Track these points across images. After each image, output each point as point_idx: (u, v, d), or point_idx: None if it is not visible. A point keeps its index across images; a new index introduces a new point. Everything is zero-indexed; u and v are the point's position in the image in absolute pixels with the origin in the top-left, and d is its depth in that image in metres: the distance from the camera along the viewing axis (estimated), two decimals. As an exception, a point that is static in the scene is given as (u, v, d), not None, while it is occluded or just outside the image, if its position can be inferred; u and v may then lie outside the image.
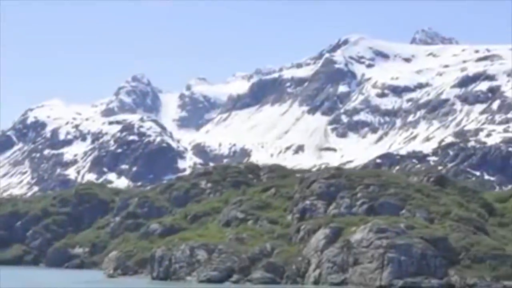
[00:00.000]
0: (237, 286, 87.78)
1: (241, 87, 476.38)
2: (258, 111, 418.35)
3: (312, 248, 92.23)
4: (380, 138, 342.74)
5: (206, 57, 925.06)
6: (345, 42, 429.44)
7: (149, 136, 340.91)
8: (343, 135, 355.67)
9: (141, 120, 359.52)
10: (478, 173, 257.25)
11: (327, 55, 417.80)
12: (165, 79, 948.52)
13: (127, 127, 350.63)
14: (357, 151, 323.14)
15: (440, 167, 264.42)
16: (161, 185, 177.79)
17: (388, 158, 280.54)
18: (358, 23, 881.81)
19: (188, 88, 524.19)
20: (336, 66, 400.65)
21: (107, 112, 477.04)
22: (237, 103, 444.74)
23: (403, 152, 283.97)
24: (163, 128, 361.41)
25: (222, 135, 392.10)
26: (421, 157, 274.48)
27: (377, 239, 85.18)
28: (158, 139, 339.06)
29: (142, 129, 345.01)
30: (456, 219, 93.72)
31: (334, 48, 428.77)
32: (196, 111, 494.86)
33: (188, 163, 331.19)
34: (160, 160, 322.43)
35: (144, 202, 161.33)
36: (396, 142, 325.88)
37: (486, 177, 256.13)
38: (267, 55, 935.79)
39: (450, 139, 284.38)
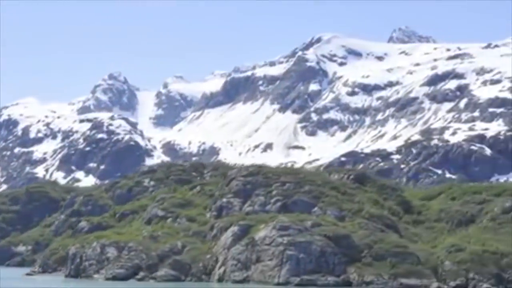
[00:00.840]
0: (140, 283, 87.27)
1: (217, 85, 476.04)
2: (231, 109, 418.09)
3: (221, 246, 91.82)
4: (349, 137, 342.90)
5: (185, 55, 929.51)
6: (318, 40, 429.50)
7: (118, 134, 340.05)
8: (312, 133, 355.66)
9: (111, 118, 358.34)
10: (439, 172, 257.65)
11: (300, 53, 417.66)
12: (143, 77, 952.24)
13: (97, 126, 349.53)
14: (325, 149, 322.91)
15: (402, 166, 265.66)
16: (106, 183, 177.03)
17: (353, 157, 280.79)
18: (335, 21, 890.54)
19: (165, 86, 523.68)
20: (308, 64, 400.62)
21: (83, 111, 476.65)
22: (210, 101, 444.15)
23: (367, 150, 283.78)
24: (134, 126, 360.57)
25: (194, 134, 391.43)
26: (385, 156, 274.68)
27: (279, 236, 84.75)
28: (127, 137, 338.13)
29: (111, 128, 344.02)
30: (366, 216, 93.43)
31: (307, 47, 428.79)
32: (172, 110, 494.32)
33: (156, 161, 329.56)
34: (127, 159, 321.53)
35: (88, 200, 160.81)
36: (364, 141, 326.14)
37: (448, 175, 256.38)
38: (246, 53, 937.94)
39: (415, 138, 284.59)
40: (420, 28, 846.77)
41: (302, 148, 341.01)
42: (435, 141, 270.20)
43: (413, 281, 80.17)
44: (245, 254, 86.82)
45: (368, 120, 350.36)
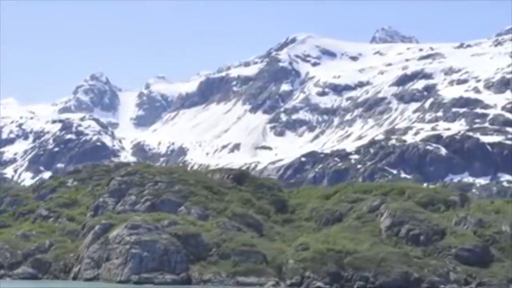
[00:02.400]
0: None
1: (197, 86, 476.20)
2: (205, 110, 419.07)
3: (84, 244, 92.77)
4: (316, 137, 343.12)
5: (169, 56, 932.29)
6: (293, 40, 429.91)
7: (87, 135, 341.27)
8: (280, 133, 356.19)
9: (82, 119, 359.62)
10: (395, 172, 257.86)
11: (274, 53, 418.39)
12: (126, 78, 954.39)
13: (66, 126, 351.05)
14: (292, 149, 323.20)
15: (359, 166, 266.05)
16: (33, 184, 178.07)
17: (312, 157, 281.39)
18: (314, 22, 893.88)
19: (147, 87, 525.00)
20: (280, 64, 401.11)
21: (64, 111, 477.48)
22: (186, 102, 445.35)
23: (327, 150, 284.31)
24: (104, 127, 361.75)
25: (166, 134, 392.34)
26: (344, 156, 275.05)
27: (128, 235, 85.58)
28: (95, 138, 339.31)
29: (80, 128, 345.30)
30: (229, 215, 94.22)
31: (282, 47, 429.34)
32: (153, 110, 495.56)
33: (122, 161, 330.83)
34: (94, 159, 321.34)
35: (15, 200, 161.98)
36: (330, 141, 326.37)
37: (403, 175, 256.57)
38: (231, 53, 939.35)
39: (378, 138, 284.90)
40: (403, 28, 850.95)
41: (269, 148, 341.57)
42: (392, 141, 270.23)
43: (251, 279, 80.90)
44: (98, 253, 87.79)
45: (336, 121, 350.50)
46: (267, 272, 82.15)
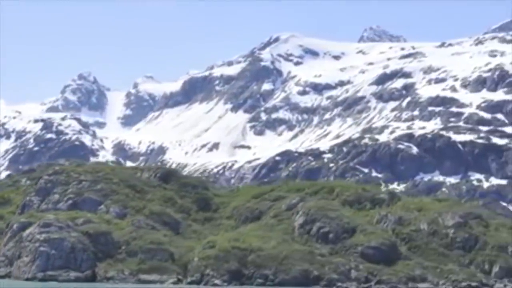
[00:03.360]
0: None
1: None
2: (187, 109, 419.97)
3: (3, 242, 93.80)
4: (295, 136, 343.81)
5: (158, 55, 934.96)
6: (277, 39, 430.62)
7: (66, 134, 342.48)
8: (260, 133, 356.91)
9: (63, 118, 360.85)
10: (366, 170, 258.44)
11: (257, 53, 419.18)
12: (115, 77, 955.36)
13: (47, 126, 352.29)
14: (270, 148, 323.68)
15: (331, 164, 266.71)
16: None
17: (287, 156, 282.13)
18: (303, 21, 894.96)
19: (135, 86, 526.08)
20: (262, 64, 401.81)
21: (51, 111, 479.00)
22: (170, 101, 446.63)
23: (301, 149, 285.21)
24: (86, 126, 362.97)
25: (148, 133, 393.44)
26: (317, 155, 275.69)
27: (38, 233, 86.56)
28: (74, 137, 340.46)
29: (60, 128, 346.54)
30: (147, 214, 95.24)
31: (265, 46, 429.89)
32: (141, 110, 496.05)
33: (100, 160, 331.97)
34: (72, 158, 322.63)
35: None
36: (308, 140, 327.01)
37: (374, 174, 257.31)
38: (221, 52, 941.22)
39: (354, 137, 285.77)
40: (392, 27, 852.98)
41: (248, 147, 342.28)
42: (365, 140, 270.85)
43: (154, 277, 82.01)
44: (12, 251, 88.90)
45: (316, 120, 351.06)
46: (171, 270, 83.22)
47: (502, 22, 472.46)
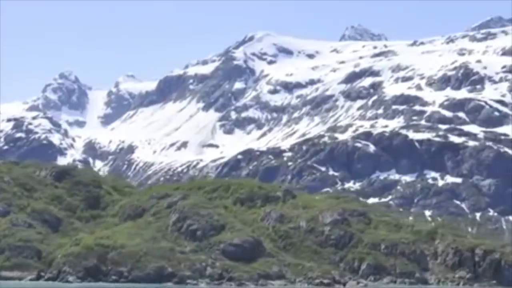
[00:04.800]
0: None
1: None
2: (161, 108, 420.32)
3: None
4: (264, 135, 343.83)
5: (140, 54, 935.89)
6: (251, 38, 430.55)
7: (36, 133, 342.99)
8: (229, 131, 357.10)
9: (34, 117, 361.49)
10: (323, 169, 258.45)
11: (231, 51, 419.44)
12: (97, 76, 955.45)
13: (18, 125, 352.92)
14: (238, 147, 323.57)
15: (290, 163, 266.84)
16: None
17: (248, 154, 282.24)
18: (279, 20, 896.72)
19: (116, 85, 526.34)
20: (235, 62, 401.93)
21: (32, 110, 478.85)
22: (145, 100, 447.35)
23: (263, 148, 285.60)
24: (57, 125, 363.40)
25: (121, 132, 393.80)
26: (277, 153, 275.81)
27: None
28: (43, 136, 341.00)
29: (30, 127, 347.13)
30: (28, 211, 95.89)
31: (239, 45, 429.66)
32: (121, 108, 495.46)
33: (68, 159, 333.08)
34: (40, 157, 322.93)
35: None
36: (275, 138, 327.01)
37: (331, 172, 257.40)
38: (202, 51, 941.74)
39: (311, 135, 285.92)
40: (374, 26, 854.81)
41: (216, 146, 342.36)
42: (325, 139, 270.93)
43: (15, 273, 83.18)
44: None
45: (285, 118, 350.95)
46: (33, 267, 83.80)
47: (482, 21, 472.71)
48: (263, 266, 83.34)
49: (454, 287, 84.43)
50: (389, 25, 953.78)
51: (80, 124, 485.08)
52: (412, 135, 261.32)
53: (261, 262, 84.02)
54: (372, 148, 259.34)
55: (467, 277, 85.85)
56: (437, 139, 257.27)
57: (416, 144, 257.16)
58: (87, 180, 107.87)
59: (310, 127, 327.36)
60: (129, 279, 79.61)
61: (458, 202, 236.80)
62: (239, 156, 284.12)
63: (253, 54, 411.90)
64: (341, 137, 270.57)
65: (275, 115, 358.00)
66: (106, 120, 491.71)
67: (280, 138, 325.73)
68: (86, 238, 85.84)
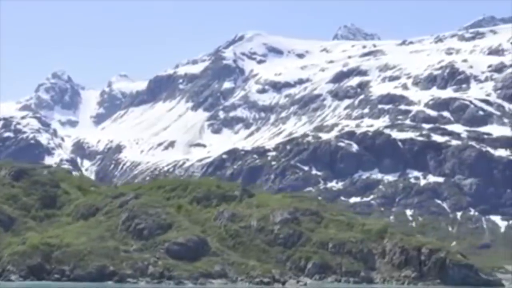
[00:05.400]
0: None
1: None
2: (151, 108, 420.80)
3: None
4: (251, 134, 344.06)
5: (133, 54, 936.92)
6: (241, 38, 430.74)
7: (24, 133, 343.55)
8: (217, 131, 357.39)
9: (23, 117, 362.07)
10: (306, 168, 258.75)
11: (221, 51, 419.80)
12: (90, 76, 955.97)
13: (6, 124, 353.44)
14: (225, 147, 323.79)
15: (273, 162, 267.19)
16: None
17: (233, 154, 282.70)
18: (270, 19, 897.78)
19: (109, 85, 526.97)
20: (224, 62, 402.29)
21: (25, 109, 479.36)
22: (135, 100, 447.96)
23: (248, 147, 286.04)
24: (46, 125, 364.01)
25: (112, 132, 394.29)
26: (262, 153, 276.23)
27: None
28: (31, 136, 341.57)
29: (18, 126, 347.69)
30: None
31: (229, 45, 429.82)
32: (114, 108, 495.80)
33: (55, 159, 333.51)
34: (27, 157, 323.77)
35: None
36: (263, 138, 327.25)
37: (314, 172, 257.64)
38: (193, 50, 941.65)
39: (298, 135, 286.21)
40: (367, 26, 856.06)
41: (204, 146, 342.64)
42: (308, 138, 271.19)
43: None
44: None
45: (273, 118, 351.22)
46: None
47: (475, 20, 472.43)
48: (205, 265, 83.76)
49: (399, 286, 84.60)
50: (382, 25, 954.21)
51: (73, 123, 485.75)
52: (396, 134, 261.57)
53: (204, 261, 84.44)
54: (355, 147, 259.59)
55: (412, 276, 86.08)
56: (420, 138, 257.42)
57: (399, 143, 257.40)
58: (44, 180, 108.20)
59: (297, 126, 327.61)
60: (71, 277, 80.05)
61: (439, 202, 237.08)
62: (224, 156, 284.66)
63: (243, 53, 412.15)
64: (325, 136, 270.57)
65: (263, 114, 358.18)
66: (99, 119, 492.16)
67: (267, 137, 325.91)
68: (32, 237, 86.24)
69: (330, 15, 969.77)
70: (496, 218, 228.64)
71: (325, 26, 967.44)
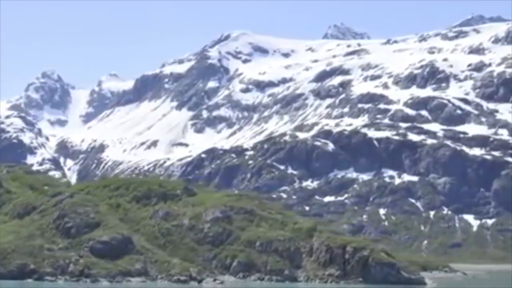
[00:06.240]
0: None
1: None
2: (137, 107, 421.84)
3: None
4: (233, 133, 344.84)
5: (123, 53, 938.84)
6: (227, 37, 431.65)
7: (8, 132, 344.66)
8: (200, 130, 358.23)
9: (7, 117, 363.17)
10: (283, 167, 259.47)
11: (207, 50, 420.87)
12: (81, 75, 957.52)
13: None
14: (207, 146, 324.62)
15: (250, 161, 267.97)
16: None
17: (212, 153, 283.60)
18: (257, 19, 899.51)
19: (99, 84, 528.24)
20: (209, 61, 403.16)
21: (14, 109, 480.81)
22: (122, 99, 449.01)
23: (227, 147, 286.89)
24: (31, 124, 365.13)
25: (98, 131, 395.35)
26: (240, 152, 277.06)
27: None
28: (14, 135, 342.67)
29: (2, 126, 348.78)
30: None
31: (215, 44, 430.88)
32: (103, 107, 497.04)
33: (37, 159, 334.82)
34: (10, 156, 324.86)
35: None
36: (244, 137, 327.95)
37: (290, 171, 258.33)
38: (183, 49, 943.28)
39: (271, 135, 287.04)
40: (357, 25, 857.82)
41: (186, 145, 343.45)
42: (286, 137, 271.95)
43: None
44: None
45: (256, 117, 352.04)
46: None
47: (463, 19, 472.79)
48: (126, 263, 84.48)
49: (322, 284, 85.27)
50: (372, 24, 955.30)
51: (62, 123, 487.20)
52: (372, 133, 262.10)
53: (126, 259, 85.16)
54: (331, 146, 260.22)
55: (336, 275, 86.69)
56: (396, 137, 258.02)
57: (375, 142, 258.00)
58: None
59: (279, 125, 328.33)
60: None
61: (413, 201, 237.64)
62: (203, 155, 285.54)
63: (228, 53, 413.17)
64: (302, 135, 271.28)
65: (246, 114, 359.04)
66: (88, 119, 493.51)
67: (248, 137, 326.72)
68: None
69: (321, 14, 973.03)
70: (469, 217, 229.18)
71: (316, 26, 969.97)
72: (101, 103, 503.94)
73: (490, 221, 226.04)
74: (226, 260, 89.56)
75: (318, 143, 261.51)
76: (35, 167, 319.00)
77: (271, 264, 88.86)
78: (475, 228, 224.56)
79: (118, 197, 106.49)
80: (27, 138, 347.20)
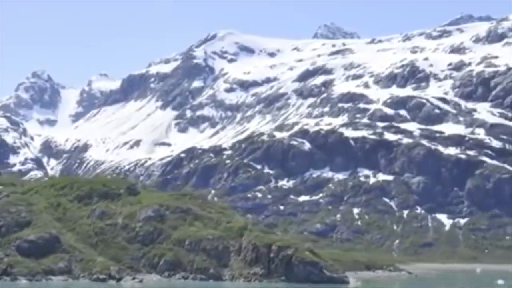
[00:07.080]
0: None
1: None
2: (123, 107, 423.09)
3: None
4: (216, 133, 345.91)
5: (113, 53, 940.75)
6: (214, 37, 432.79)
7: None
8: (183, 130, 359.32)
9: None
10: (259, 167, 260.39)
11: (192, 50, 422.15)
12: (71, 75, 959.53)
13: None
14: (189, 145, 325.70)
15: (228, 161, 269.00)
16: None
17: (191, 153, 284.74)
18: (245, 18, 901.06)
19: (89, 84, 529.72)
20: (195, 61, 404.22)
21: (4, 108, 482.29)
22: (109, 99, 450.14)
23: (205, 146, 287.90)
24: (15, 124, 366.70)
25: (83, 131, 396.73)
26: (218, 151, 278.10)
27: None
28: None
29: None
30: None
31: (201, 44, 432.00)
32: (92, 107, 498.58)
33: (20, 158, 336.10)
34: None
35: None
36: (226, 137, 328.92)
37: (266, 170, 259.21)
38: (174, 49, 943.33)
39: (250, 134, 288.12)
40: (347, 24, 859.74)
41: (169, 145, 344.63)
42: (264, 137, 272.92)
43: None
44: None
45: (239, 117, 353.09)
46: None
47: (452, 18, 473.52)
48: (51, 262, 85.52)
49: (245, 283, 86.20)
50: (363, 24, 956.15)
51: (51, 122, 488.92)
52: (349, 133, 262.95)
53: (51, 258, 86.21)
54: (307, 146, 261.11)
55: (260, 273, 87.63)
56: (372, 137, 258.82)
57: (351, 141, 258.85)
58: None
59: (261, 125, 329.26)
60: None
61: (387, 200, 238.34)
62: (182, 155, 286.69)
63: (214, 52, 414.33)
64: (279, 135, 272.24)
65: (229, 113, 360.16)
66: (77, 118, 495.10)
67: (230, 136, 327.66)
68: None
69: (311, 14, 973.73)
70: (442, 217, 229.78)
71: (306, 25, 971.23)
72: (90, 103, 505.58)
73: (462, 221, 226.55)
74: (154, 259, 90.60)
75: (294, 143, 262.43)
76: (17, 167, 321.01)
77: (198, 263, 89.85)
78: (447, 228, 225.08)
79: (62, 196, 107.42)
80: (10, 138, 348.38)
